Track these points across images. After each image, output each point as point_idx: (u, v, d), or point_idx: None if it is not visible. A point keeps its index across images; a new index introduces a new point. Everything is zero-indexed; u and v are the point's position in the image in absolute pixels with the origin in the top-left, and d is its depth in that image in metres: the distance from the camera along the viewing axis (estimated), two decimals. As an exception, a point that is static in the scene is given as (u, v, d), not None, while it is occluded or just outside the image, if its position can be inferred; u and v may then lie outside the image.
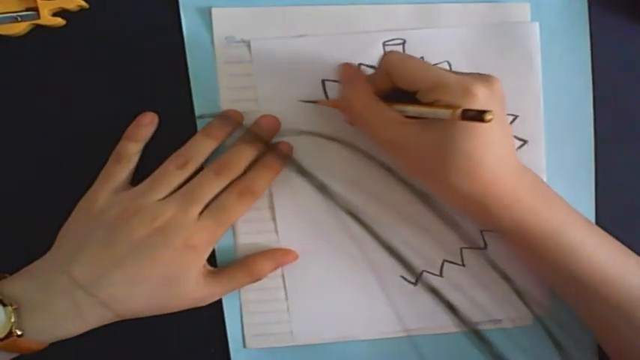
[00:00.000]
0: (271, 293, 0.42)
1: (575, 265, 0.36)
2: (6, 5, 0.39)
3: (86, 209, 0.38)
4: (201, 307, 0.40)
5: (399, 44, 0.41)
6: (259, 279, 0.40)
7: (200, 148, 0.39)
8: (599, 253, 0.37)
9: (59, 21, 0.40)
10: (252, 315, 0.42)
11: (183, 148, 0.39)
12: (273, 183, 0.41)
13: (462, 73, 0.35)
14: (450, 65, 0.41)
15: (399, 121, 0.36)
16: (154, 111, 0.40)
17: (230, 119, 0.40)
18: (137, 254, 0.36)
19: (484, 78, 0.35)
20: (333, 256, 0.42)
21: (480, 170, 0.34)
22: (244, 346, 0.43)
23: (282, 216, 0.42)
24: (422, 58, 0.41)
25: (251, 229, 0.42)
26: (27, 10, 0.39)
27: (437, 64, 0.41)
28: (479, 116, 0.31)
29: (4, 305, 0.34)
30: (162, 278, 0.37)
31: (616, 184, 0.43)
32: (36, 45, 0.40)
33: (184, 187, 0.38)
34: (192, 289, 0.38)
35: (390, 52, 0.37)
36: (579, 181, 0.43)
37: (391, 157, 0.39)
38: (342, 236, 0.42)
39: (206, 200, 0.38)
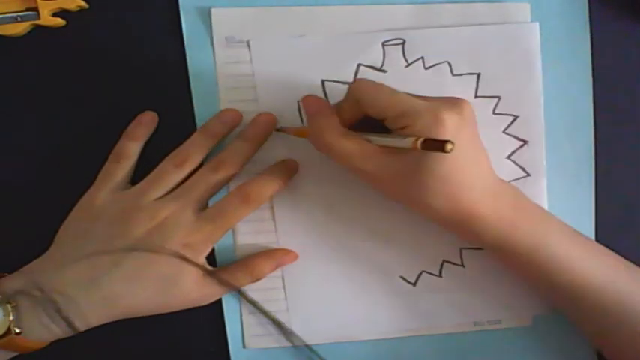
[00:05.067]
0: (271, 293, 0.42)
1: (561, 276, 0.37)
2: (6, 5, 0.39)
3: (85, 209, 0.38)
4: (201, 307, 0.40)
5: (398, 44, 0.41)
6: (259, 279, 0.40)
7: (198, 146, 0.39)
8: (585, 262, 0.37)
9: (59, 21, 0.40)
10: (252, 315, 0.42)
11: (180, 147, 0.39)
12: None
13: (432, 99, 0.35)
14: (450, 65, 0.41)
15: (371, 151, 0.36)
16: (153, 111, 0.40)
17: (228, 118, 0.40)
18: (135, 252, 0.36)
19: (453, 103, 0.34)
20: (332, 256, 0.42)
21: (458, 193, 0.34)
22: (244, 346, 0.43)
23: (281, 216, 0.42)
24: (422, 58, 0.41)
25: (250, 229, 0.42)
26: (27, 10, 0.39)
27: (437, 64, 0.41)
28: (439, 147, 0.31)
29: (3, 303, 0.34)
30: (161, 277, 0.37)
31: (616, 184, 0.43)
32: (36, 45, 0.40)
33: (182, 186, 0.38)
34: (191, 288, 0.38)
35: (360, 79, 0.37)
36: (579, 181, 0.43)
37: (367, 184, 0.39)
38: (341, 237, 0.42)
39: (204, 198, 0.38)
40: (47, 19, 0.39)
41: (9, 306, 0.34)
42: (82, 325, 0.36)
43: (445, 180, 0.34)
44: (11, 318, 0.34)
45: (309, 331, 0.42)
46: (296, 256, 0.42)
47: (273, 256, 0.41)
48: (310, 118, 0.38)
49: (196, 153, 0.39)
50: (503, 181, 0.38)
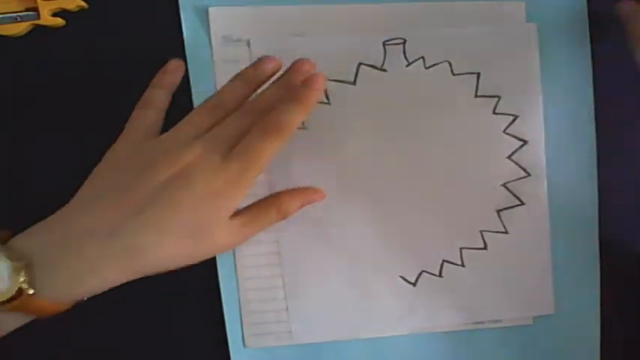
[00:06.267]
0: (270, 293, 0.42)
1: None
2: (6, 5, 0.39)
3: (112, 157, 0.36)
4: (201, 308, 0.40)
5: (399, 44, 0.41)
6: (287, 216, 0.38)
7: (231, 92, 0.37)
8: None
9: (59, 21, 0.40)
10: (252, 315, 0.42)
11: (214, 93, 0.37)
12: (274, 182, 0.41)
13: None
14: (450, 65, 0.41)
15: None
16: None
17: (267, 66, 0.37)
18: (158, 199, 0.33)
19: None
20: (332, 256, 0.42)
21: None
22: (244, 345, 0.43)
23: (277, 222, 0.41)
24: (422, 57, 0.41)
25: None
26: (27, 10, 0.39)
27: (437, 63, 0.41)
28: None
29: (12, 261, 0.31)
30: (188, 226, 0.33)
31: (619, 184, 0.43)
32: (36, 45, 0.40)
33: (210, 131, 0.35)
34: (220, 233, 0.35)
35: None
36: (581, 181, 0.43)
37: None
38: (341, 236, 0.42)
39: (231, 143, 0.35)
40: (47, 19, 0.39)
41: (17, 264, 0.31)
42: (103, 283, 0.33)
43: None
44: (22, 278, 0.31)
45: (308, 331, 0.43)
46: (323, 196, 0.40)
47: (300, 194, 0.39)
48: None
49: (230, 100, 0.36)
50: None
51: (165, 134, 0.36)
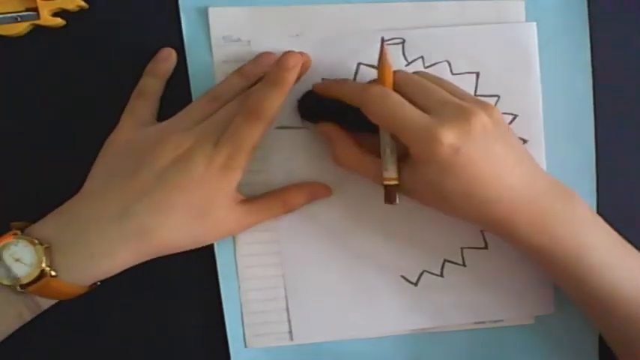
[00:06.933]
0: (271, 293, 0.42)
1: (594, 284, 0.36)
2: (6, 5, 0.39)
3: (112, 145, 0.38)
4: (201, 308, 0.39)
5: (398, 43, 0.41)
6: (292, 210, 0.40)
7: (230, 86, 0.39)
8: (618, 272, 0.36)
9: (59, 21, 0.40)
10: (253, 315, 0.42)
11: (214, 86, 0.39)
12: (274, 182, 0.41)
13: (442, 108, 0.35)
14: (449, 65, 0.41)
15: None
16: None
17: (265, 62, 0.40)
18: (162, 182, 0.35)
19: (460, 115, 0.34)
20: (332, 255, 0.42)
21: (485, 207, 0.35)
22: (245, 345, 0.43)
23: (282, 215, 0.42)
24: (421, 57, 0.41)
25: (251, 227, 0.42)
26: (27, 10, 0.39)
27: (436, 63, 0.41)
28: (389, 196, 0.37)
29: (34, 245, 0.33)
30: (192, 206, 0.36)
31: (618, 183, 0.43)
32: (36, 45, 0.40)
33: (207, 120, 0.38)
34: (224, 216, 0.37)
35: (376, 87, 0.36)
36: (580, 181, 0.43)
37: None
38: (342, 236, 0.42)
39: (221, 131, 0.37)
40: (47, 19, 0.39)
41: (41, 247, 0.33)
42: (118, 263, 0.35)
43: (467, 196, 0.34)
44: (44, 262, 0.33)
45: (309, 331, 0.42)
46: (330, 192, 0.42)
47: (308, 189, 0.41)
48: (331, 145, 0.40)
49: (228, 92, 0.39)
50: (547, 187, 0.37)
51: (165, 122, 0.38)
